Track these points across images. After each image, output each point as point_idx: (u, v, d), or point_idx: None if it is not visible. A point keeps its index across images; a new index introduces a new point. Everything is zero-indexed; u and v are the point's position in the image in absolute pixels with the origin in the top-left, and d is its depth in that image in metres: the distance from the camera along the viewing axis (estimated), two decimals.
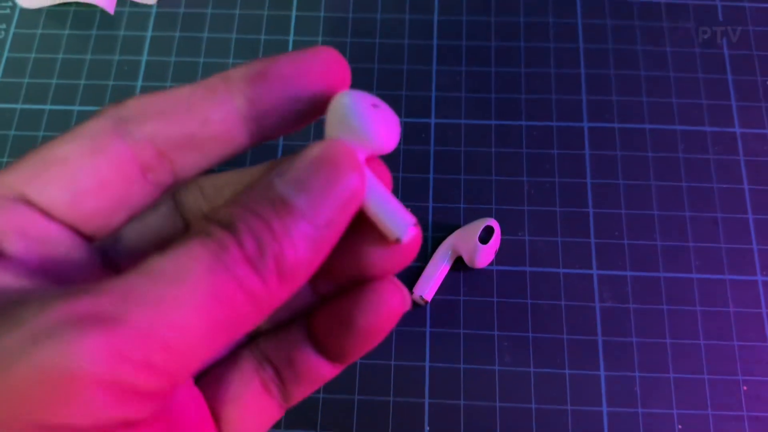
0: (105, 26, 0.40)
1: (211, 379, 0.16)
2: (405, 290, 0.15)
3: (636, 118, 0.37)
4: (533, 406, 0.32)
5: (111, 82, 0.39)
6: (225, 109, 0.13)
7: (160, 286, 0.11)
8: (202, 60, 0.39)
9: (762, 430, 0.31)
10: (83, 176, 0.13)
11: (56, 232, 0.13)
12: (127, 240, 0.15)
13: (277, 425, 0.32)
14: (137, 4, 0.40)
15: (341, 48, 0.39)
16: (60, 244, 0.13)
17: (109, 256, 0.15)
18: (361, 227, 0.14)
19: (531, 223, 0.35)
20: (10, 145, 0.37)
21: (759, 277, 0.34)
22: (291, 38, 0.40)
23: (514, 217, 0.35)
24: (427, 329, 0.33)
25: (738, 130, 0.37)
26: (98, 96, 0.38)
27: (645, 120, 0.37)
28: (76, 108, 0.38)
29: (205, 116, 0.13)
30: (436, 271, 0.33)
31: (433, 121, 0.37)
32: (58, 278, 0.13)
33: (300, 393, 0.16)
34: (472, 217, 0.35)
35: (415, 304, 0.33)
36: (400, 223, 0.14)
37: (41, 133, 0.38)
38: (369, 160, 0.14)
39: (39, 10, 0.41)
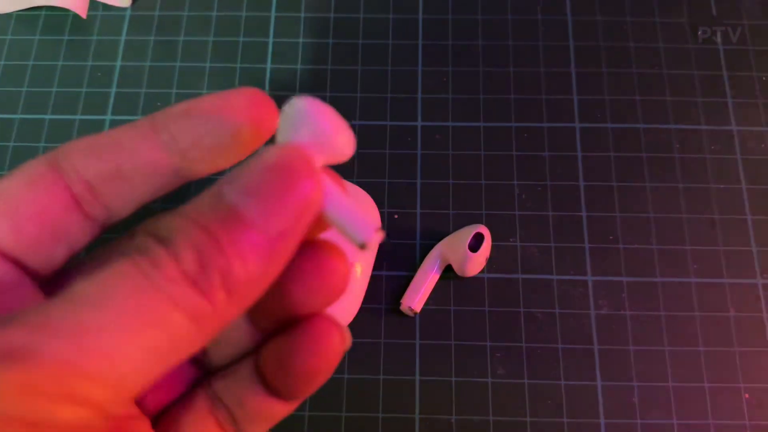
0: (77, 31, 0.39)
1: (168, 420, 0.15)
2: (341, 327, 0.15)
3: (629, 117, 0.36)
4: (528, 419, 0.31)
5: (84, 89, 0.37)
6: (150, 144, 0.14)
7: (80, 313, 0.11)
8: (178, 64, 0.38)
9: None
10: (21, 204, 0.13)
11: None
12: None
13: None
14: (110, 8, 0.39)
15: (323, 49, 0.38)
16: (2, 277, 0.13)
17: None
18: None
19: (522, 228, 0.34)
20: None
21: (759, 280, 0.33)
22: (270, 40, 0.38)
23: (505, 223, 0.34)
24: (417, 341, 0.32)
25: (735, 128, 0.36)
26: (71, 104, 0.37)
27: (638, 119, 0.36)
28: (47, 117, 0.37)
29: (130, 150, 0.14)
30: (425, 280, 0.32)
31: (419, 124, 0.36)
32: None
33: (256, 431, 0.16)
34: (461, 222, 0.34)
35: (403, 315, 0.32)
36: (363, 227, 0.13)
37: (12, 144, 0.36)
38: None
39: (8, 15, 0.39)
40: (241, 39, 0.38)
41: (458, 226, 0.34)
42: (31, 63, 0.38)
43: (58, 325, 0.10)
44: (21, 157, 0.36)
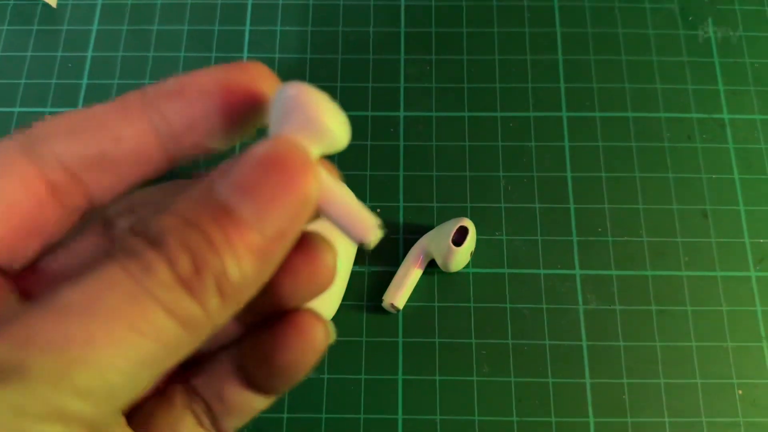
0: (47, 20, 0.38)
1: (143, 416, 0.15)
2: (325, 321, 0.14)
3: (618, 106, 0.36)
4: (515, 419, 0.30)
5: (54, 81, 0.36)
6: (139, 127, 0.13)
7: (67, 323, 0.10)
8: (151, 54, 0.36)
9: None
10: None
11: None
12: (48, 271, 0.14)
13: None
14: None
15: (302, 37, 0.37)
16: None
17: (28, 291, 0.14)
18: None
19: (508, 221, 0.33)
20: None
21: (752, 273, 0.32)
22: (247, 28, 0.37)
23: (491, 216, 0.33)
24: (399, 339, 0.32)
25: (727, 116, 0.35)
26: (41, 96, 0.36)
27: (627, 108, 0.36)
28: (16, 110, 0.36)
29: (117, 134, 0.12)
30: (408, 276, 0.32)
31: (402, 114, 0.35)
32: None
33: (234, 424, 0.15)
34: (445, 216, 0.33)
35: (385, 312, 0.32)
36: (363, 225, 0.13)
37: None
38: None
39: None
40: (217, 27, 0.37)
41: (442, 219, 0.33)
42: None
43: (44, 338, 0.10)
44: None
